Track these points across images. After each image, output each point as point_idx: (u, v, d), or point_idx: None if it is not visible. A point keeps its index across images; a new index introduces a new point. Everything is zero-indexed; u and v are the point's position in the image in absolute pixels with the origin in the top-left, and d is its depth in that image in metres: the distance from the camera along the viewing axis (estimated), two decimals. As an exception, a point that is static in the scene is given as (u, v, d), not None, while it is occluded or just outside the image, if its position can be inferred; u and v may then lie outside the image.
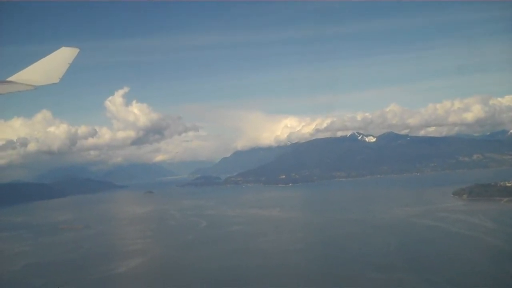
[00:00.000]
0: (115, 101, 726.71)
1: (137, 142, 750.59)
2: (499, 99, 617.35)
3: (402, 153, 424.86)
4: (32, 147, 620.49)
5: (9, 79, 20.36)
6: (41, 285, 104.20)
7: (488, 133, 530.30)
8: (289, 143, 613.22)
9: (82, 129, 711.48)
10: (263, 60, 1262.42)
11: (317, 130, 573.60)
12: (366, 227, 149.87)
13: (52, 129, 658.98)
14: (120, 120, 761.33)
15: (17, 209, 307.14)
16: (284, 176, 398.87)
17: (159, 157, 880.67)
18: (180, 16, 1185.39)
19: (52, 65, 22.06)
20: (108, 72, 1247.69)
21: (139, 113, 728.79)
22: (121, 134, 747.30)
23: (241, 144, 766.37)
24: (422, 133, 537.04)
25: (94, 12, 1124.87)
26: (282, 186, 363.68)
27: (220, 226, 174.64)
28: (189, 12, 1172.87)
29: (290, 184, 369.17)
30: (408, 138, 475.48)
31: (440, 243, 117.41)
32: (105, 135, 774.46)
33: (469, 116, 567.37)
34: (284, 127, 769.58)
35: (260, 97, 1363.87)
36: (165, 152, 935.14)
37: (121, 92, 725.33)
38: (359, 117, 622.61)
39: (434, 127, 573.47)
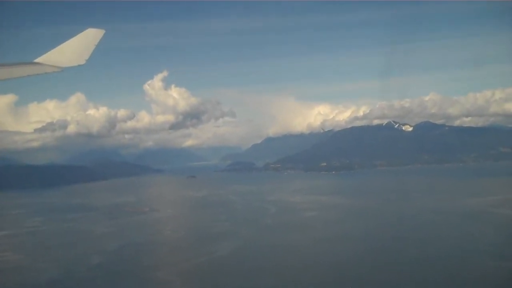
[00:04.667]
0: (154, 85, 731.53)
1: (175, 126, 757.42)
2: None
3: (442, 143, 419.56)
4: (71, 129, 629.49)
5: (36, 60, 20.59)
6: (152, 265, 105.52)
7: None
8: (322, 130, 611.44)
9: (121, 113, 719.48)
10: (296, 46, 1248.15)
11: (355, 118, 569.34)
12: (448, 216, 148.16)
13: (92, 111, 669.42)
14: (160, 104, 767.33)
15: (66, 190, 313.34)
16: (325, 164, 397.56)
17: (188, 142, 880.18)
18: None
19: (78, 46, 22.25)
20: (144, 55, 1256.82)
21: (178, 97, 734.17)
22: (160, 118, 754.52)
23: (273, 130, 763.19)
24: (457, 123, 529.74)
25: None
26: (325, 174, 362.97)
27: (291, 211, 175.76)
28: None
29: (333, 172, 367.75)
30: (447, 128, 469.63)
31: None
32: (144, 118, 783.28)
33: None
34: (317, 114, 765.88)
35: (292, 83, 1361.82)
36: (195, 137, 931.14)
37: (160, 76, 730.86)
38: (396, 105, 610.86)
39: (470, 118, 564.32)
